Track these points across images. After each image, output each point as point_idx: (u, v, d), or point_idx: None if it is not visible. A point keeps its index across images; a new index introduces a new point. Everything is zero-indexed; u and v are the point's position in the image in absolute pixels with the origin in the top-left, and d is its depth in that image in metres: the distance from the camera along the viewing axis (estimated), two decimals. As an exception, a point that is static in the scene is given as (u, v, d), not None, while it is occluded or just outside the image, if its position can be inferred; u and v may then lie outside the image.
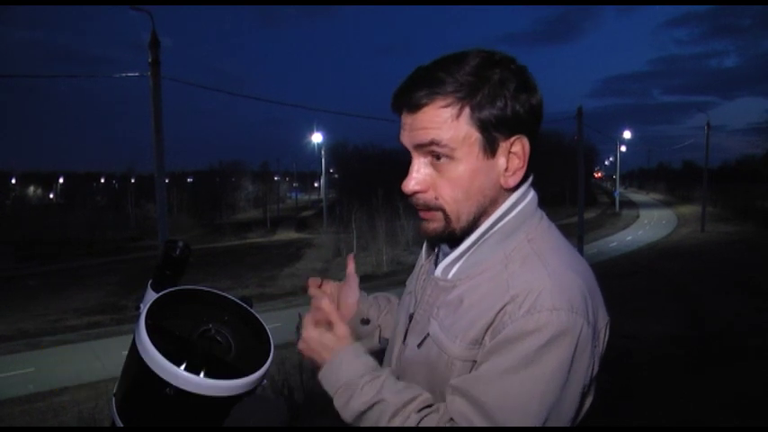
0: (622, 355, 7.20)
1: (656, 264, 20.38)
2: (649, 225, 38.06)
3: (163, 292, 1.03)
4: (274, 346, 1.05)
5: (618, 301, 10.37)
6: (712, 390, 6.37)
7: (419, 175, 0.91)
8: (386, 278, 23.85)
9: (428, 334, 0.94)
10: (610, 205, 55.08)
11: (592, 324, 0.84)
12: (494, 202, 0.92)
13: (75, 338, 16.14)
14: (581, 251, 14.89)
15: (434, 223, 0.93)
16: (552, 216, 1.00)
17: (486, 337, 0.85)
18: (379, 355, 1.21)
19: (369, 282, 23.37)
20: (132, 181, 61.83)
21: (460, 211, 0.91)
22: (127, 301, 20.41)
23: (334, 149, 51.72)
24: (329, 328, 0.97)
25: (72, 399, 10.73)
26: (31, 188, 73.82)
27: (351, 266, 1.18)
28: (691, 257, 21.39)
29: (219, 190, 59.70)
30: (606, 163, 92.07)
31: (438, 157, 0.89)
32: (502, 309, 0.84)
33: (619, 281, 15.28)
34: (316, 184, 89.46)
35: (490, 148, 0.88)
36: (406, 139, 0.91)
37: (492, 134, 0.88)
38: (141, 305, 1.03)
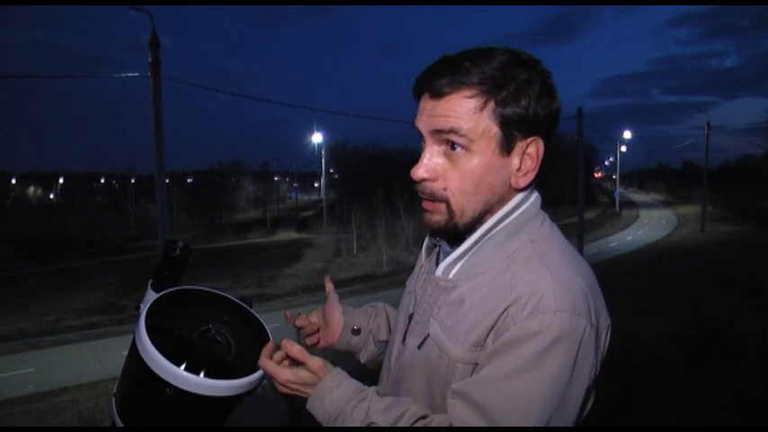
0: (622, 355, 7.19)
1: (656, 264, 20.35)
2: (649, 225, 38.00)
3: (163, 293, 1.03)
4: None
5: (618, 301, 10.35)
6: (712, 390, 6.37)
7: (430, 162, 0.91)
8: (386, 278, 23.81)
9: (428, 334, 0.94)
10: (610, 205, 54.96)
11: (594, 326, 0.84)
12: (501, 201, 0.92)
13: (75, 338, 16.10)
14: (581, 251, 14.88)
15: (437, 215, 0.92)
16: (552, 216, 1.00)
17: (489, 340, 0.85)
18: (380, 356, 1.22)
19: (369, 282, 23.34)
20: (132, 181, 61.74)
21: (466, 205, 0.90)
22: (127, 301, 20.38)
23: (334, 149, 51.69)
24: (303, 359, 0.93)
25: (72, 399, 10.70)
26: (31, 188, 73.74)
27: (329, 286, 1.25)
28: (691, 257, 21.36)
29: (219, 190, 59.67)
30: (606, 163, 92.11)
31: (453, 146, 0.88)
32: (505, 310, 0.84)
33: (619, 281, 15.25)
34: (316, 184, 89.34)
35: (507, 146, 0.89)
36: (424, 124, 0.91)
37: (511, 132, 0.88)
38: (141, 305, 1.03)
